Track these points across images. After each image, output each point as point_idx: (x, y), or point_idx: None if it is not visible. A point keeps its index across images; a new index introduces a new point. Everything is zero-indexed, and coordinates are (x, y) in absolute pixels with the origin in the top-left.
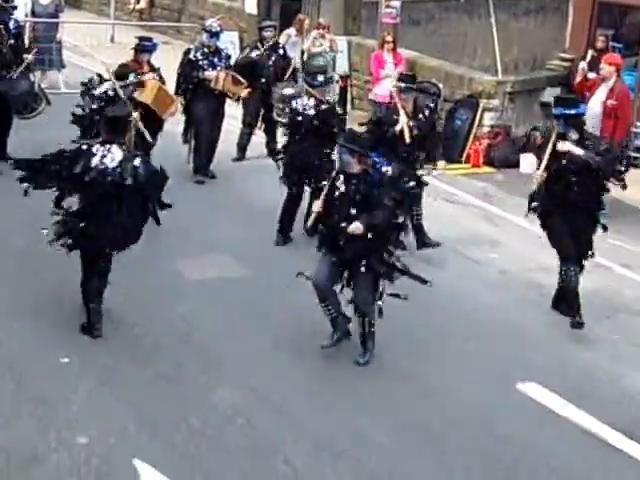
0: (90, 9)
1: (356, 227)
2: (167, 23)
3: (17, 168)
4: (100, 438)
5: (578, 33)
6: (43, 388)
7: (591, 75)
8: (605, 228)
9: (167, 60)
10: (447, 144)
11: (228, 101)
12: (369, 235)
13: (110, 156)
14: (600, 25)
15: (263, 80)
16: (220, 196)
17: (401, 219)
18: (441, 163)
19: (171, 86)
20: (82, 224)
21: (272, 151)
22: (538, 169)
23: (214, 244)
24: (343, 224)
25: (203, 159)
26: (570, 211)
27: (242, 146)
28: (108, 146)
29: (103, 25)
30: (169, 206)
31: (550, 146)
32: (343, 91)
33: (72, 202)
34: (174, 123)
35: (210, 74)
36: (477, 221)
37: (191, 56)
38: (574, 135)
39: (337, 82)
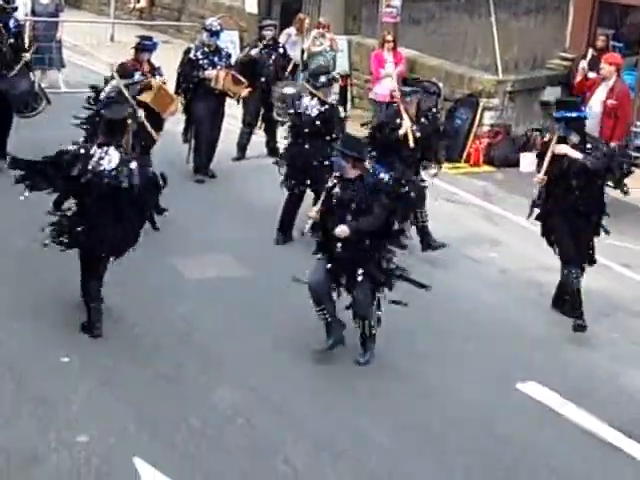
0: (90, 8)
1: (341, 230)
2: (167, 22)
3: (14, 168)
4: (100, 438)
5: (578, 32)
6: (43, 388)
7: (591, 74)
8: (607, 232)
9: (167, 59)
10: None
11: (228, 100)
12: (364, 241)
13: (107, 158)
14: (600, 24)
15: (263, 79)
16: (220, 195)
17: (396, 226)
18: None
19: (171, 85)
20: (78, 228)
21: (272, 150)
22: (539, 172)
23: (214, 243)
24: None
25: (203, 158)
26: (571, 214)
27: (242, 145)
28: (105, 148)
29: (103, 24)
30: (165, 210)
31: (550, 149)
32: (343, 90)
33: (70, 204)
34: (174, 122)
35: (210, 73)
36: (477, 220)
37: (191, 55)
38: (575, 138)
39: (337, 81)
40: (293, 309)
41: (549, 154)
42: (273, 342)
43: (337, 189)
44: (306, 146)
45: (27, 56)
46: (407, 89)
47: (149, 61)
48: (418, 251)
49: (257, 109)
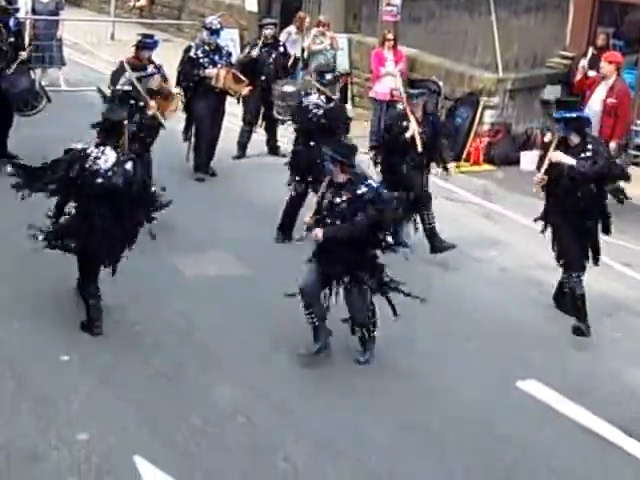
0: (90, 7)
1: (314, 234)
2: (167, 20)
3: (14, 174)
4: (100, 436)
5: (579, 31)
6: (43, 386)
7: (591, 73)
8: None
9: (167, 58)
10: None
11: (228, 99)
12: (354, 247)
13: (104, 158)
14: (601, 23)
15: (263, 78)
16: (220, 194)
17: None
18: (451, 165)
19: (171, 84)
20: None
21: (272, 149)
22: (539, 171)
23: (214, 242)
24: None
25: (203, 157)
26: (572, 214)
27: (242, 144)
28: (102, 148)
29: (103, 23)
30: (154, 218)
31: (551, 150)
32: (343, 89)
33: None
34: (175, 121)
35: (211, 72)
36: (477, 219)
37: (192, 54)
38: (575, 138)
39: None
40: (293, 307)
41: (549, 154)
42: (273, 340)
43: (328, 194)
44: (311, 143)
45: (24, 54)
46: (414, 91)
47: (150, 59)
48: (419, 250)
49: (257, 107)
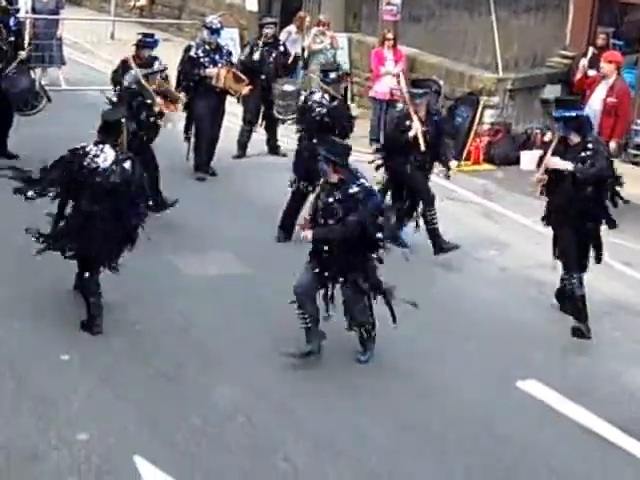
0: (90, 6)
1: (304, 235)
2: (167, 20)
3: (14, 178)
4: (100, 436)
5: (579, 30)
6: (43, 386)
7: (591, 72)
8: (613, 224)
9: (168, 57)
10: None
11: (228, 98)
12: (349, 248)
13: (103, 156)
14: (601, 22)
15: (263, 77)
16: (220, 193)
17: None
18: (453, 163)
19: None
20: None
21: (273, 148)
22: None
23: (214, 241)
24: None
25: (203, 156)
26: (572, 214)
27: (242, 143)
28: (101, 146)
29: (103, 22)
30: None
31: (551, 149)
32: (344, 88)
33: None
34: (175, 120)
35: (211, 71)
36: (477, 218)
37: (192, 53)
38: (575, 138)
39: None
40: (293, 307)
41: (545, 160)
42: (273, 340)
43: (323, 194)
44: (314, 141)
45: (23, 54)
46: (417, 91)
47: (135, 59)
48: (420, 250)
49: (257, 107)
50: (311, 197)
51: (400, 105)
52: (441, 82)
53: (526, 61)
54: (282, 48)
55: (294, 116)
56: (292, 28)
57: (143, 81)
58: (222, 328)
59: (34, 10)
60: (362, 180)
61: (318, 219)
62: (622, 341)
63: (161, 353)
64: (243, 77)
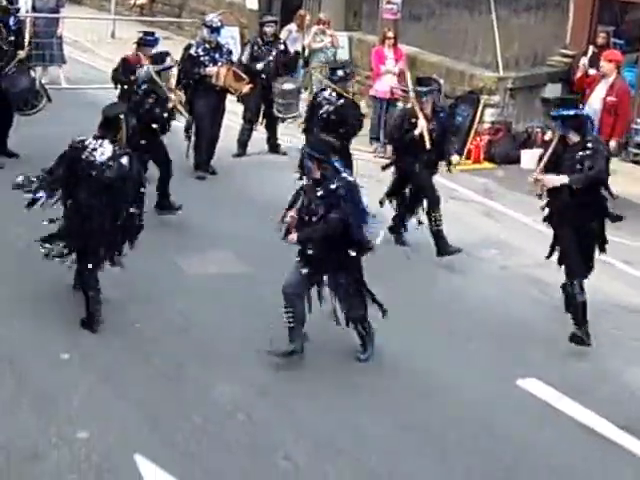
0: (91, 4)
1: (290, 237)
2: (168, 18)
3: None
4: (101, 435)
5: (579, 29)
6: (43, 384)
7: (592, 71)
8: (616, 218)
9: None
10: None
11: (229, 97)
12: (334, 246)
13: (100, 150)
14: (601, 21)
15: (264, 76)
16: (221, 192)
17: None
18: (455, 158)
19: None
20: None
21: (273, 147)
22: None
23: (215, 240)
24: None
25: (204, 155)
26: (572, 214)
27: (243, 142)
28: (100, 141)
29: (104, 20)
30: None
31: (550, 148)
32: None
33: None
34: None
35: (211, 70)
36: (478, 217)
37: (192, 52)
38: (574, 137)
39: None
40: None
41: (548, 153)
42: (273, 339)
43: (307, 191)
44: (319, 138)
45: (22, 54)
46: (423, 89)
47: (151, 56)
48: (420, 249)
49: (257, 105)
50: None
51: (400, 104)
52: (441, 81)
53: (526, 60)
54: (282, 47)
55: (294, 115)
56: (292, 27)
57: (156, 77)
58: (222, 327)
59: (34, 9)
60: (344, 175)
61: (303, 216)
62: (622, 340)
63: (161, 352)
64: (243, 76)
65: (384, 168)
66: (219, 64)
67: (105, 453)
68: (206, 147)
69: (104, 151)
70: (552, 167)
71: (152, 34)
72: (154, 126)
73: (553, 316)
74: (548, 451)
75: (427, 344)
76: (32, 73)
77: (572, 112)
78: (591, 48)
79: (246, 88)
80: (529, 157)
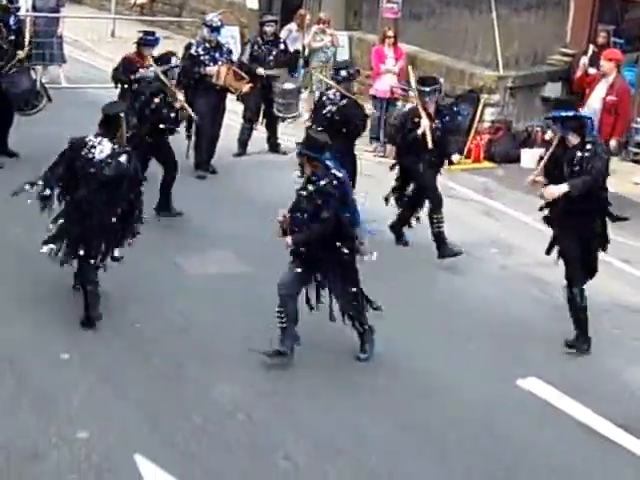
0: (91, 4)
1: (286, 241)
2: (168, 18)
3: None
4: (101, 435)
5: (579, 28)
6: (43, 384)
7: (592, 70)
8: (617, 218)
9: None
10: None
11: (229, 96)
12: (327, 244)
13: (99, 148)
14: (601, 20)
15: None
16: (221, 191)
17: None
18: (456, 157)
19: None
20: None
21: (273, 146)
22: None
23: (215, 239)
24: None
25: (204, 155)
26: (573, 216)
27: (243, 141)
28: (100, 138)
29: (104, 20)
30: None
31: (550, 150)
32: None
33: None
34: None
35: (212, 69)
36: (478, 216)
37: (192, 51)
38: (574, 139)
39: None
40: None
41: (547, 155)
42: (273, 339)
43: (301, 188)
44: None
45: (21, 54)
46: (426, 88)
47: (152, 56)
48: (420, 249)
49: (258, 105)
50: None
51: (400, 103)
52: (441, 80)
53: (527, 59)
54: (282, 46)
55: (294, 114)
56: (293, 26)
57: (162, 77)
58: (222, 326)
59: (35, 8)
60: (334, 171)
61: (294, 214)
62: (622, 339)
63: (161, 351)
64: (243, 75)
65: (392, 168)
66: (219, 63)
67: (105, 453)
68: (206, 146)
69: (103, 149)
70: (552, 167)
71: (152, 34)
72: (161, 126)
73: (553, 315)
74: (548, 451)
75: (427, 344)
76: (32, 73)
77: (571, 113)
78: (591, 47)
79: (246, 87)
80: (529, 156)
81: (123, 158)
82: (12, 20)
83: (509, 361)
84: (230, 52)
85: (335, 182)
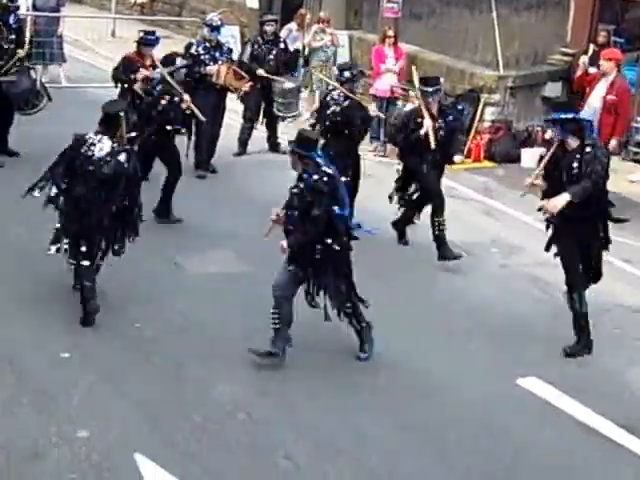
0: (91, 3)
1: (281, 246)
2: (168, 17)
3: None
4: (101, 434)
5: (579, 28)
6: (43, 383)
7: (592, 70)
8: (620, 220)
9: None
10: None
11: (229, 95)
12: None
13: (99, 145)
14: (602, 20)
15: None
16: (221, 191)
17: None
18: (458, 157)
19: None
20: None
21: (273, 146)
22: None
23: (215, 239)
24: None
25: (204, 154)
26: (573, 219)
27: (243, 141)
28: (100, 136)
29: (104, 19)
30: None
31: (550, 152)
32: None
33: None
34: None
35: (212, 69)
36: (478, 216)
37: (193, 50)
38: (573, 142)
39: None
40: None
41: (547, 157)
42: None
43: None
44: (328, 137)
45: (21, 52)
46: (429, 89)
47: (152, 56)
48: (420, 248)
49: (258, 104)
50: None
51: (400, 103)
52: (441, 80)
53: (527, 58)
54: (282, 45)
55: (294, 114)
56: (293, 25)
57: (169, 78)
58: (222, 327)
59: (35, 7)
60: (324, 168)
61: (288, 211)
62: (623, 339)
63: (161, 352)
64: (243, 74)
65: (398, 172)
66: (219, 63)
67: (105, 452)
68: (206, 146)
69: (103, 147)
70: (552, 169)
71: (153, 33)
72: (168, 127)
73: (553, 315)
74: (548, 450)
75: (427, 344)
76: (33, 73)
77: (570, 116)
78: (592, 47)
79: (246, 87)
80: (529, 156)
81: (122, 157)
82: (12, 19)
83: (509, 361)
84: (230, 51)
85: (326, 178)
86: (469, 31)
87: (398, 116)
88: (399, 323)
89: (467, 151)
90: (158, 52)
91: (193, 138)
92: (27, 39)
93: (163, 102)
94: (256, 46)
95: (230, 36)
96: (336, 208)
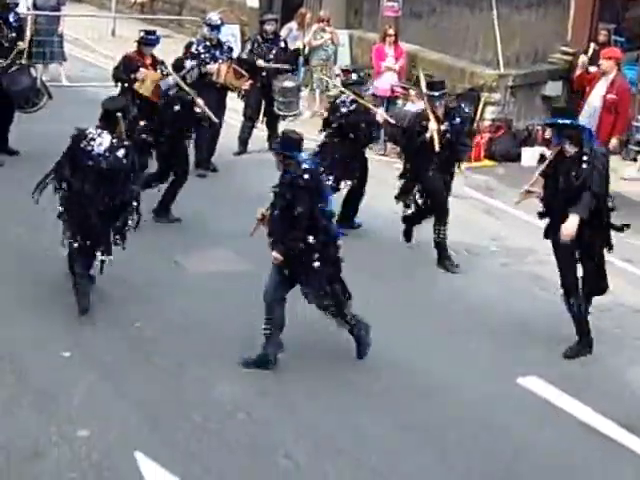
0: (91, 2)
1: (275, 258)
2: (168, 16)
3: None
4: (101, 433)
5: (580, 27)
6: (44, 382)
7: (592, 69)
8: (621, 229)
9: (168, 54)
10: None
11: (229, 94)
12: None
13: (99, 140)
14: (602, 19)
15: (264, 73)
16: (221, 190)
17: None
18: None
19: None
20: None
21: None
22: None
23: (215, 238)
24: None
25: (204, 153)
26: (574, 238)
27: (243, 140)
28: (100, 131)
29: (104, 18)
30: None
31: (549, 158)
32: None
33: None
34: None
35: (212, 67)
36: (478, 215)
37: (193, 49)
38: (571, 149)
39: (338, 76)
40: (293, 305)
41: (545, 163)
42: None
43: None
44: (334, 141)
45: (21, 44)
46: (435, 93)
47: (152, 55)
48: (420, 247)
49: (258, 103)
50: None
51: (400, 102)
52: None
53: (527, 57)
54: (283, 44)
55: (295, 113)
56: (293, 25)
57: (182, 84)
58: (223, 326)
59: (36, 6)
60: (304, 166)
61: (273, 211)
62: (623, 338)
63: (161, 351)
64: (244, 73)
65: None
66: (220, 61)
67: (105, 451)
68: (207, 145)
69: (102, 142)
70: (551, 172)
71: (153, 32)
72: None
73: (553, 313)
74: (548, 450)
75: (427, 344)
76: (33, 71)
77: (568, 121)
78: (592, 46)
79: (246, 85)
80: (530, 155)
81: (121, 152)
82: (12, 17)
83: (509, 360)
84: (231, 50)
85: (306, 176)
86: (469, 30)
87: (398, 116)
88: (399, 323)
89: None
90: (159, 53)
91: (193, 137)
92: (27, 38)
93: (177, 108)
94: (256, 45)
95: (230, 35)
96: (320, 205)
